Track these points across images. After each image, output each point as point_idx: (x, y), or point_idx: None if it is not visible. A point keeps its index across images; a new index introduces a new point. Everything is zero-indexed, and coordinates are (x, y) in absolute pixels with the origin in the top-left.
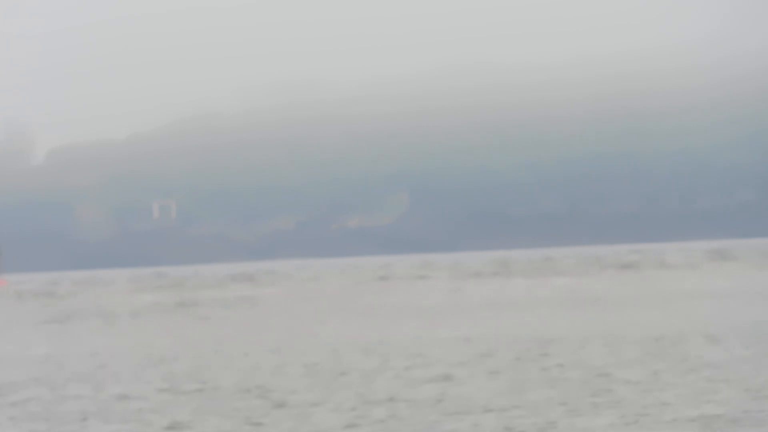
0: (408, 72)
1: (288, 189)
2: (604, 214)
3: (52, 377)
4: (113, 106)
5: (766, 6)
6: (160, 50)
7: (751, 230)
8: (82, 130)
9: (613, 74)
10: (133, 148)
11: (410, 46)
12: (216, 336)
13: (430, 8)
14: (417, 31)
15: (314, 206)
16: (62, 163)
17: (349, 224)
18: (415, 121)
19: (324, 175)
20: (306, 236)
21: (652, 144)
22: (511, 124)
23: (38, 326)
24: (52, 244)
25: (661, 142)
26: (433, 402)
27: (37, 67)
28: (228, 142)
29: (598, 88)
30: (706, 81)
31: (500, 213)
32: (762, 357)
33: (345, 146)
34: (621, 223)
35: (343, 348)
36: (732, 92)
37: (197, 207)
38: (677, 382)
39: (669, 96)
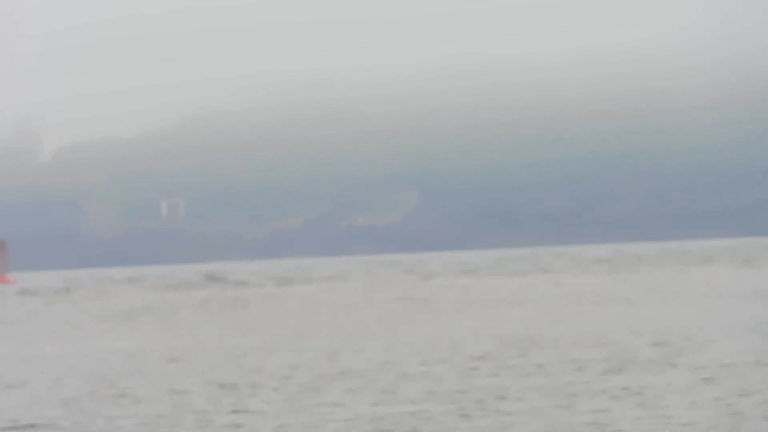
0: (415, 71)
1: (296, 187)
2: (612, 213)
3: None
4: (121, 104)
5: None
6: (168, 49)
7: (759, 229)
8: (90, 129)
9: (621, 73)
10: (142, 147)
11: (416, 45)
12: (297, 330)
13: (436, 8)
14: (422, 30)
15: (323, 205)
16: (70, 162)
17: (358, 223)
18: (424, 120)
19: (332, 174)
20: (315, 234)
21: (660, 143)
22: (520, 124)
23: (103, 323)
24: (60, 243)
25: (668, 141)
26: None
27: (44, 65)
28: (237, 140)
29: (605, 88)
30: (712, 80)
31: (508, 211)
32: None
33: (354, 145)
34: (629, 222)
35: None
36: (739, 91)
37: (206, 205)
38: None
39: (676, 95)
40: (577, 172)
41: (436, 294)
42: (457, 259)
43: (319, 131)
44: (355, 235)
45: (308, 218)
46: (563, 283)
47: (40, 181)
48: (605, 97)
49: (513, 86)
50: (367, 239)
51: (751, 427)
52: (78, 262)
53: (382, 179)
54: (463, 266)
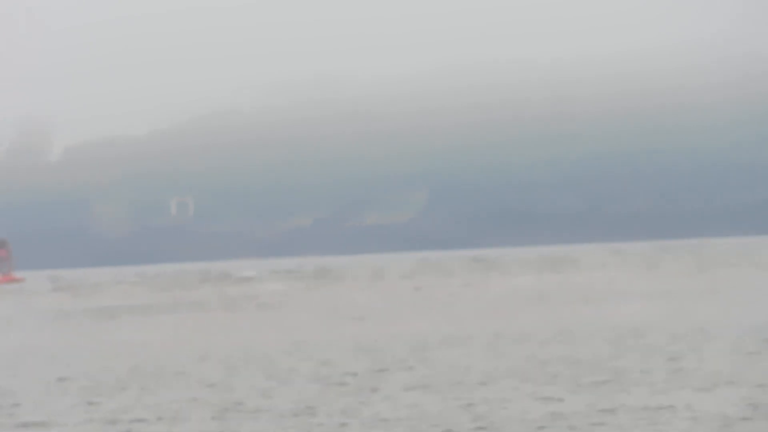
0: (423, 70)
1: (306, 187)
2: (620, 212)
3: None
4: (130, 103)
5: None
6: (175, 49)
7: (764, 228)
8: (99, 128)
9: (624, 73)
10: (151, 146)
11: (422, 44)
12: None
13: (442, 7)
14: (428, 29)
15: (332, 204)
16: (79, 161)
17: (367, 221)
18: (432, 119)
19: (342, 173)
20: (324, 233)
21: (667, 142)
22: (527, 123)
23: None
24: (69, 242)
25: (675, 141)
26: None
27: (55, 64)
28: (245, 139)
29: (610, 87)
30: (717, 80)
31: (517, 210)
32: None
33: (363, 144)
34: (637, 220)
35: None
36: (752, 90)
37: (214, 204)
38: None
39: (682, 95)
40: (584, 171)
41: (491, 291)
42: (477, 258)
43: (329, 131)
44: (364, 233)
45: (318, 217)
46: (599, 279)
47: (49, 180)
48: (611, 96)
49: (519, 85)
50: (377, 238)
51: None
52: (87, 260)
53: (392, 178)
54: (493, 264)
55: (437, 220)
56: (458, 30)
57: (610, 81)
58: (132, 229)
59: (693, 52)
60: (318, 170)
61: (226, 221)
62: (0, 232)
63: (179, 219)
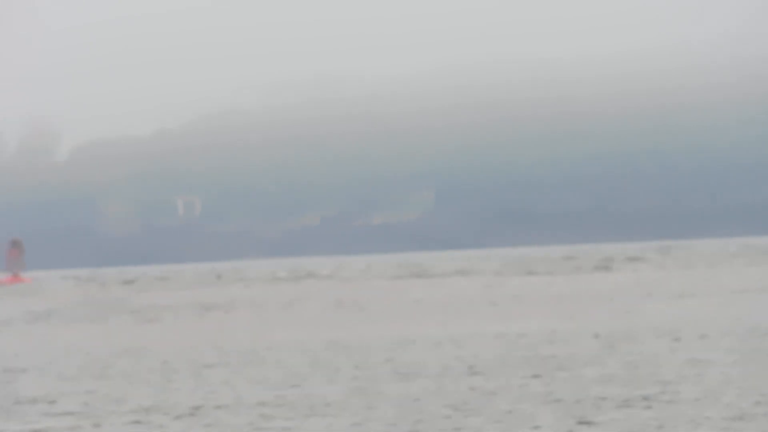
0: (427, 70)
1: (313, 186)
2: (626, 212)
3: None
4: (138, 102)
5: None
6: (180, 48)
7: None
8: (106, 127)
9: (633, 72)
10: (158, 145)
11: (429, 42)
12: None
13: (447, 6)
14: (435, 27)
15: (339, 203)
16: (86, 160)
17: (375, 221)
18: (439, 118)
19: (349, 172)
20: (331, 233)
21: (673, 142)
22: (532, 122)
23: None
24: (75, 241)
25: (685, 139)
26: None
27: (55, 64)
28: (251, 139)
29: (618, 86)
30: (727, 78)
31: (524, 210)
32: None
33: (370, 143)
34: (646, 219)
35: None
36: (754, 90)
37: (222, 203)
38: None
39: (690, 94)
40: (588, 170)
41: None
42: (504, 257)
43: (332, 130)
44: (372, 233)
45: (325, 217)
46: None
47: (56, 180)
48: (612, 96)
49: (520, 85)
50: (384, 238)
51: None
52: (93, 260)
53: (399, 178)
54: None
55: (444, 219)
56: (458, 30)
57: (611, 81)
58: (138, 228)
59: (693, 52)
60: (324, 169)
61: (233, 221)
62: (6, 231)
63: (186, 218)
